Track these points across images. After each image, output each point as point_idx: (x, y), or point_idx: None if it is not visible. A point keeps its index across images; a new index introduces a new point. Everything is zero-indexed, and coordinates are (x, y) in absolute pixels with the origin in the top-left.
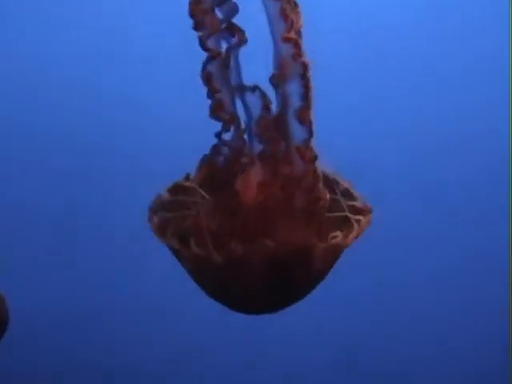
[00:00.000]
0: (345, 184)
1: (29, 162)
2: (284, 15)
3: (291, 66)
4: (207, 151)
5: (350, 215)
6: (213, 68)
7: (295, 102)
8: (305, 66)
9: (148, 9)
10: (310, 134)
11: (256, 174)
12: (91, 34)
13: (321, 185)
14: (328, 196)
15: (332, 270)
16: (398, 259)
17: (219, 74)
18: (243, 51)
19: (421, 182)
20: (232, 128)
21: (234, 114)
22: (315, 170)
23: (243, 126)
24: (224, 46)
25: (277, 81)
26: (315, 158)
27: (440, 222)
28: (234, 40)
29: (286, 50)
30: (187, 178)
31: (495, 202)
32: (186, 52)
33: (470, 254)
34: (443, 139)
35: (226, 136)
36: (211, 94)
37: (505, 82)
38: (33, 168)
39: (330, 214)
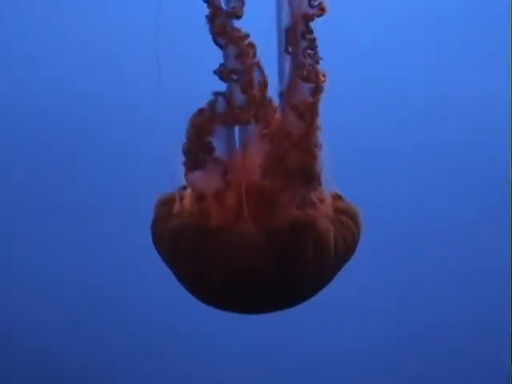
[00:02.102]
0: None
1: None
2: None
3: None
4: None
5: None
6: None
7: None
8: (321, 9)
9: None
10: (314, 93)
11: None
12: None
13: (316, 148)
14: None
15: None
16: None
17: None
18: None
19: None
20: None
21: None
22: (312, 130)
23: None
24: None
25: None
26: (314, 117)
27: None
28: None
29: None
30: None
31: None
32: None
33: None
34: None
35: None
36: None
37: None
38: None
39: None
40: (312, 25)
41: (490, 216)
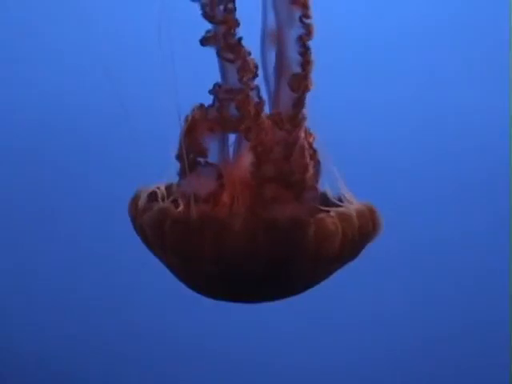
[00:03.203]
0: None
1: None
2: None
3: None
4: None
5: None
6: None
7: (291, 68)
8: (309, 30)
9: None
10: (298, 103)
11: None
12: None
13: (299, 157)
14: (311, 171)
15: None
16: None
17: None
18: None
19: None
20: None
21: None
22: (293, 140)
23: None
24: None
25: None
26: (294, 127)
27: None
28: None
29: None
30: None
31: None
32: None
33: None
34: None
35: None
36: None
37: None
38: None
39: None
40: (309, 44)
41: (491, 218)
